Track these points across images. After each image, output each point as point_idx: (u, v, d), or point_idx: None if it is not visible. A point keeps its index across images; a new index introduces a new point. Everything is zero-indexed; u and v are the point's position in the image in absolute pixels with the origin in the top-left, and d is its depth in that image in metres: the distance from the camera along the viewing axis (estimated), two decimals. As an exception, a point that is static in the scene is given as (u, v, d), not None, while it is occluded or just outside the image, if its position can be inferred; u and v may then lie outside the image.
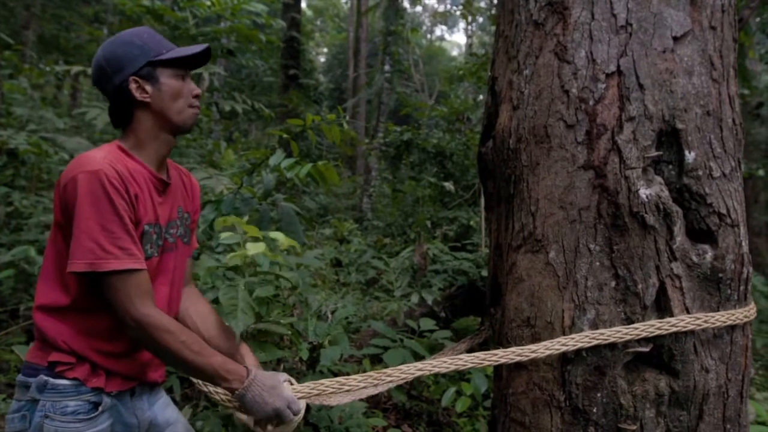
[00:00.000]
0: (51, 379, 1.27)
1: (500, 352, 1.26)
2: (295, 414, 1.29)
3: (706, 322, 1.24)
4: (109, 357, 1.31)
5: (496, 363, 1.26)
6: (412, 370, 1.26)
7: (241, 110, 4.73)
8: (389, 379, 1.28)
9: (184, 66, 1.41)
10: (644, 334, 1.22)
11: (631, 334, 1.22)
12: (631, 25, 1.31)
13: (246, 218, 2.27)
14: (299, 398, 1.32)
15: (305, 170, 2.36)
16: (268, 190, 2.43)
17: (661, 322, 1.22)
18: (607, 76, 1.31)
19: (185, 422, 1.54)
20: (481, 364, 1.26)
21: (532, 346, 1.25)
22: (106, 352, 1.31)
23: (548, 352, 1.23)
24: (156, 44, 1.39)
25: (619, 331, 1.22)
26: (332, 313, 3.57)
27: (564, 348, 1.22)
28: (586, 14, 1.35)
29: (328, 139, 2.81)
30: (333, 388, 1.31)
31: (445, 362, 1.26)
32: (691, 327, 1.22)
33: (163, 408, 1.49)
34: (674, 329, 1.22)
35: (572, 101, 1.33)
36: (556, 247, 1.33)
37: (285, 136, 2.74)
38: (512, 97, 1.47)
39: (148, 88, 1.35)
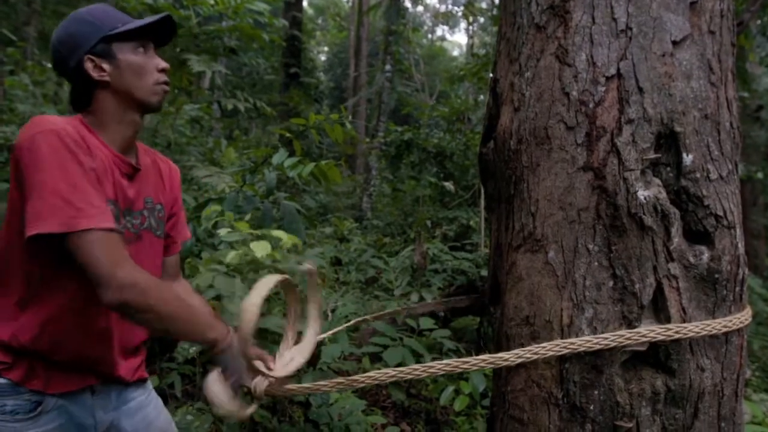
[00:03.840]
0: None
1: (505, 354, 1.26)
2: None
3: (704, 329, 1.26)
4: (57, 352, 1.21)
5: (504, 365, 1.27)
6: (419, 371, 1.25)
7: (243, 108, 4.76)
8: (392, 379, 1.27)
9: (144, 39, 1.31)
10: (645, 340, 1.23)
11: (632, 339, 1.23)
12: (631, 29, 1.33)
13: (248, 216, 2.29)
14: (300, 391, 1.31)
15: (308, 169, 2.38)
16: (271, 188, 2.46)
17: (662, 328, 1.24)
18: (607, 79, 1.33)
19: (163, 428, 1.46)
20: (490, 365, 1.27)
21: (535, 347, 1.26)
22: (53, 346, 1.21)
23: (551, 353, 1.24)
24: (111, 19, 1.29)
25: (621, 336, 1.24)
26: (332, 311, 3.59)
27: (566, 351, 1.24)
28: (587, 18, 1.37)
29: (331, 138, 2.83)
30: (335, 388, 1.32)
31: (449, 364, 1.26)
32: (691, 334, 1.24)
33: (133, 411, 1.38)
34: (677, 336, 1.23)
35: (573, 103, 1.35)
36: (556, 247, 1.35)
37: (288, 134, 2.77)
38: (513, 98, 1.49)
39: (105, 66, 1.26)
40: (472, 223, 6.87)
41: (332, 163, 2.50)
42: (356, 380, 1.27)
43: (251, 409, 1.25)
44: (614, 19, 1.34)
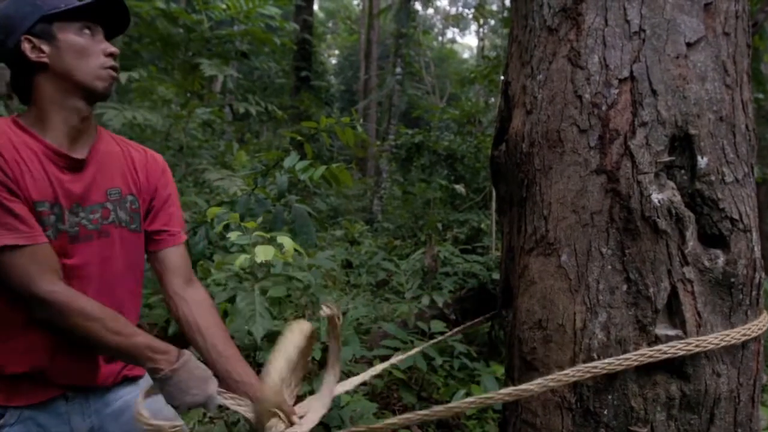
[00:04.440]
0: None
1: (530, 386, 1.24)
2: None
3: (723, 340, 1.25)
4: (14, 366, 1.16)
5: (529, 395, 1.25)
6: (442, 411, 1.22)
7: (255, 112, 4.79)
8: (416, 418, 1.23)
9: (91, 21, 1.24)
10: (667, 356, 1.22)
11: (654, 357, 1.22)
12: (644, 31, 1.32)
13: (260, 219, 2.30)
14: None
15: (319, 172, 2.39)
16: (282, 191, 2.47)
17: (682, 343, 1.22)
18: (620, 81, 1.32)
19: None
20: (515, 398, 1.25)
21: (564, 374, 1.23)
22: (9, 361, 1.16)
23: (575, 379, 1.23)
24: None
25: (643, 354, 1.23)
26: (343, 314, 3.59)
27: (589, 375, 1.22)
28: (600, 20, 1.36)
29: (341, 141, 2.84)
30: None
31: (474, 402, 1.23)
32: (711, 347, 1.23)
33: (118, 414, 1.31)
34: (697, 349, 1.22)
35: (585, 106, 1.35)
36: (568, 250, 1.35)
37: (299, 138, 2.78)
38: (525, 101, 1.49)
39: (44, 47, 1.18)
40: (483, 225, 6.85)
41: (343, 166, 2.51)
42: (378, 428, 1.22)
43: None
44: (627, 21, 1.33)
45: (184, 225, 1.51)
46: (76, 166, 1.23)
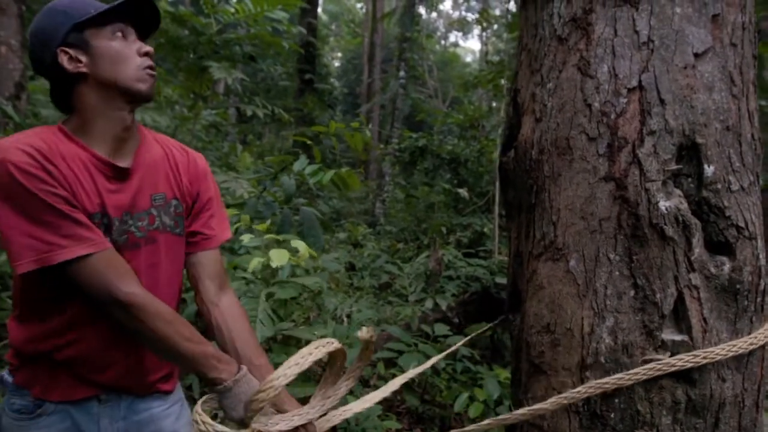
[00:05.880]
0: (5, 376, 1.25)
1: (544, 405, 1.28)
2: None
3: (730, 350, 1.27)
4: (56, 362, 1.20)
5: (544, 412, 1.28)
6: None
7: (261, 114, 4.83)
8: None
9: (122, 23, 1.20)
10: (676, 369, 1.25)
11: (663, 370, 1.25)
12: (653, 41, 1.35)
13: (268, 222, 2.32)
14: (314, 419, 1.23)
15: (328, 176, 2.42)
16: (290, 194, 2.49)
17: (689, 355, 1.25)
18: (629, 90, 1.35)
19: None
20: (531, 417, 1.27)
21: (576, 392, 1.26)
22: (58, 356, 1.19)
23: (587, 395, 1.26)
24: (82, 6, 1.18)
25: (653, 368, 1.26)
26: (347, 316, 3.61)
27: (600, 390, 1.25)
28: (609, 30, 1.39)
29: (350, 145, 2.87)
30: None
31: (489, 425, 1.26)
32: (719, 357, 1.26)
33: (142, 424, 1.32)
34: (705, 361, 1.25)
35: (594, 115, 1.37)
36: (577, 255, 1.37)
37: (308, 142, 2.81)
38: (535, 109, 1.52)
39: (81, 57, 1.15)
40: (486, 229, 6.87)
41: (351, 170, 2.54)
42: None
43: None
44: (636, 32, 1.36)
45: (229, 227, 1.47)
46: (122, 176, 1.22)
